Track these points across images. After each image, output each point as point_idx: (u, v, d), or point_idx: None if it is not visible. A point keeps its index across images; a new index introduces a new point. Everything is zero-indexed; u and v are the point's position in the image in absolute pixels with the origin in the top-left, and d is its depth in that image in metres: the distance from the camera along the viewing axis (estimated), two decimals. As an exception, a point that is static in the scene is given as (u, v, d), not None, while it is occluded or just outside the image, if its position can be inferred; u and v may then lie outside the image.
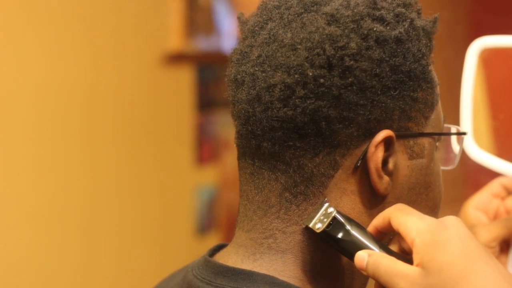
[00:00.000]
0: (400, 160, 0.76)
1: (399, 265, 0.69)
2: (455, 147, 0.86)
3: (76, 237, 2.35)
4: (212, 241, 2.76)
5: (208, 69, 2.88)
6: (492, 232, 0.92)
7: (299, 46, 0.73)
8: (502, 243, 0.93)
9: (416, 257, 0.69)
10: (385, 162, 0.75)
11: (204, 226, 2.92)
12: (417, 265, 0.68)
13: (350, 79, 0.72)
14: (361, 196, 0.75)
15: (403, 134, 0.76)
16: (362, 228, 0.73)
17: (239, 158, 0.80)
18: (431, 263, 0.67)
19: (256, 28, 0.78)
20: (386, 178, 0.75)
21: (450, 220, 0.70)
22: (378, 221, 0.74)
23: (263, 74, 0.74)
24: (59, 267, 2.29)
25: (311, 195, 0.75)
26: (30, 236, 2.20)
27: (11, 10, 2.13)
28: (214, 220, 2.99)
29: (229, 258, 0.78)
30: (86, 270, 2.38)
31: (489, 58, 0.94)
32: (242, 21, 0.81)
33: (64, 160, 2.30)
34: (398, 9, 0.76)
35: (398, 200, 0.76)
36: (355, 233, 0.73)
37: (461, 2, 2.99)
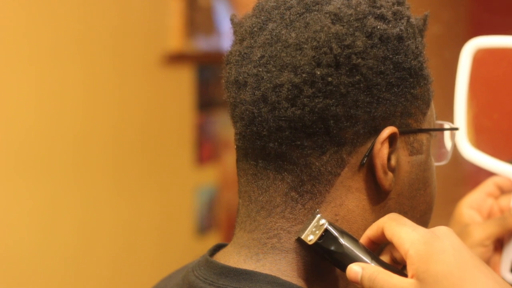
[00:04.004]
0: (402, 156, 0.77)
1: (395, 279, 0.69)
2: (448, 143, 0.87)
3: (76, 236, 2.35)
4: (212, 241, 2.76)
5: (208, 69, 2.88)
6: (486, 230, 0.92)
7: (305, 46, 0.73)
8: (496, 241, 0.93)
9: (410, 269, 0.69)
10: (388, 158, 0.75)
11: (204, 226, 2.93)
12: (412, 277, 0.69)
13: (357, 77, 0.73)
14: (365, 193, 0.76)
15: (405, 131, 0.76)
16: (354, 240, 0.74)
17: (239, 160, 0.80)
18: (426, 274, 0.68)
19: (255, 29, 0.77)
20: (390, 174, 0.76)
21: (442, 231, 0.71)
22: (371, 231, 0.74)
23: (268, 75, 0.74)
24: (59, 267, 2.29)
25: (317, 194, 0.75)
26: (30, 235, 2.20)
27: (11, 10, 2.13)
28: (214, 220, 2.99)
29: (231, 258, 0.78)
30: (86, 270, 2.38)
31: (483, 58, 0.95)
32: (235, 23, 0.81)
33: (64, 160, 2.30)
34: (395, 7, 0.77)
35: (399, 196, 0.77)
36: (347, 245, 0.73)
37: (461, 2, 2.98)
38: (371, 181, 0.76)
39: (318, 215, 0.74)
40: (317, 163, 0.74)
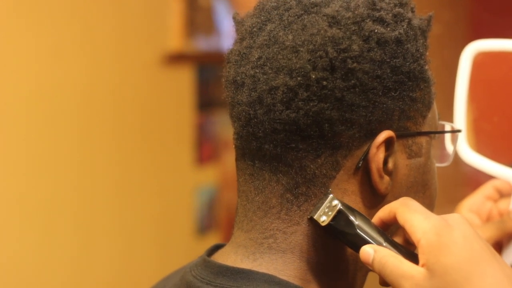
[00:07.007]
0: (399, 160, 0.77)
1: (405, 266, 0.69)
2: (449, 145, 0.87)
3: (76, 237, 2.35)
4: (212, 241, 2.75)
5: (208, 69, 2.88)
6: (485, 234, 0.92)
7: (301, 49, 0.73)
8: (494, 245, 0.93)
9: (422, 258, 0.69)
10: (385, 162, 0.75)
11: (204, 226, 2.93)
12: (422, 266, 0.69)
13: (352, 81, 0.73)
14: (361, 196, 0.76)
15: (403, 134, 0.76)
16: (367, 221, 0.74)
17: (237, 159, 0.80)
18: (436, 265, 0.68)
19: (255, 29, 0.77)
20: (386, 178, 0.75)
21: (455, 219, 0.70)
22: (383, 213, 0.74)
23: (265, 76, 0.74)
24: (59, 267, 2.29)
25: (312, 196, 0.75)
26: (30, 236, 2.20)
27: (11, 10, 2.13)
28: (214, 220, 2.99)
29: (228, 257, 0.78)
30: (86, 270, 2.38)
31: (483, 61, 0.95)
32: (237, 21, 0.81)
33: (64, 159, 2.30)
34: (396, 9, 0.76)
35: (396, 199, 0.76)
36: (360, 226, 0.73)
37: (461, 2, 2.99)
38: (367, 184, 0.76)
39: (331, 195, 0.74)
40: (312, 166, 0.74)
